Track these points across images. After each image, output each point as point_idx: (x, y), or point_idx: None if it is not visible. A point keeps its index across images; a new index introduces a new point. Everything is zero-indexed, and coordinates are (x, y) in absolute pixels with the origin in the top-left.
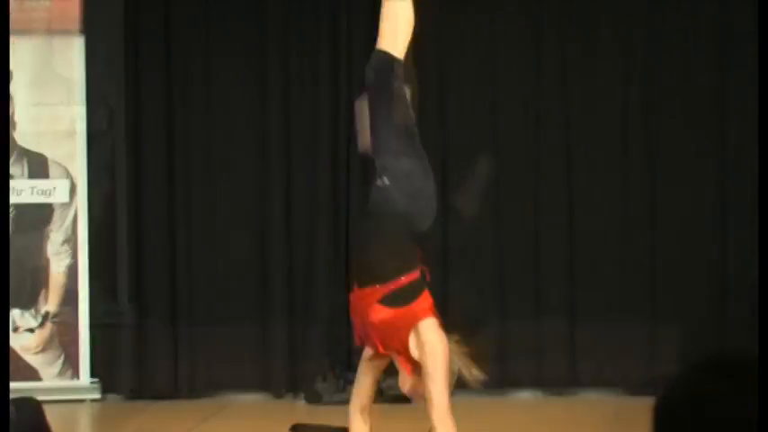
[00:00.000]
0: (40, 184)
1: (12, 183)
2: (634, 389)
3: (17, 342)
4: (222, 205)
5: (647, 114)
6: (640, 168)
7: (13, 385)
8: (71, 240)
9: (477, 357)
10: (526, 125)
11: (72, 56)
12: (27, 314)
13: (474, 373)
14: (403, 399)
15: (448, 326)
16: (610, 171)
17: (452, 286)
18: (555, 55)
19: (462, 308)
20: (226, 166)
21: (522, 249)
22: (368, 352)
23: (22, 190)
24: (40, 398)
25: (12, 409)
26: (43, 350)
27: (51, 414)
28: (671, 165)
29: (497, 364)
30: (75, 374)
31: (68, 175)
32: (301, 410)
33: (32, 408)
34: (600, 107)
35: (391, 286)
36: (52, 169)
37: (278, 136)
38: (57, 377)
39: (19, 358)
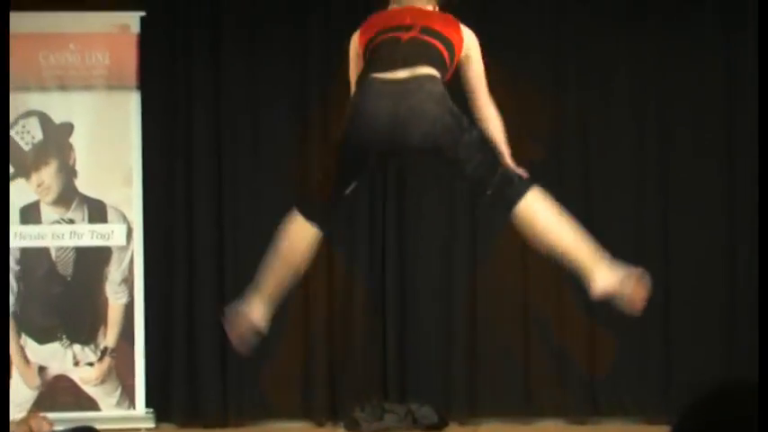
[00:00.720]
0: (99, 228)
1: (73, 227)
2: (651, 417)
3: (77, 375)
4: (265, 237)
5: (661, 146)
6: (655, 202)
7: (73, 415)
8: (128, 280)
9: None
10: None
11: (129, 109)
12: (87, 349)
13: None
14: (434, 427)
15: None
16: (626, 204)
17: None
18: (574, 100)
19: None
20: (270, 203)
21: (544, 285)
22: None
23: (83, 234)
24: (99, 427)
25: None
26: (102, 382)
27: None
28: (683, 196)
29: (523, 393)
30: (132, 405)
31: (125, 220)
32: None
33: None
34: (616, 144)
35: None
36: (110, 214)
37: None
38: (115, 407)
39: (79, 390)
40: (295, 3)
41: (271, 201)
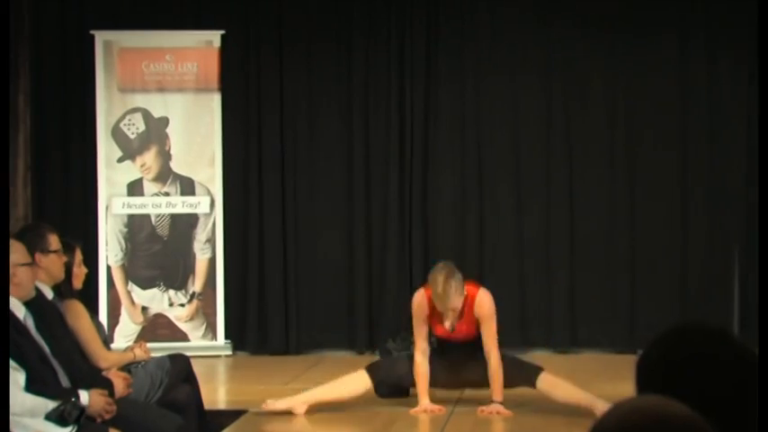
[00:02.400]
0: (189, 199)
1: (168, 199)
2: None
3: (172, 313)
4: (319, 210)
5: (630, 150)
6: (625, 199)
7: (168, 345)
8: (211, 240)
9: None
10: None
11: (212, 107)
12: (179, 293)
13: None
14: None
15: None
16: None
17: None
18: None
19: None
20: (321, 183)
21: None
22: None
23: (176, 204)
24: (188, 354)
25: (168, 361)
26: (191, 319)
27: (197, 365)
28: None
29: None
30: (214, 337)
31: (209, 193)
32: None
33: (183, 361)
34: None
35: None
36: (197, 189)
37: (361, 170)
38: (201, 339)
39: (174, 325)
40: (341, 28)
41: (322, 181)
